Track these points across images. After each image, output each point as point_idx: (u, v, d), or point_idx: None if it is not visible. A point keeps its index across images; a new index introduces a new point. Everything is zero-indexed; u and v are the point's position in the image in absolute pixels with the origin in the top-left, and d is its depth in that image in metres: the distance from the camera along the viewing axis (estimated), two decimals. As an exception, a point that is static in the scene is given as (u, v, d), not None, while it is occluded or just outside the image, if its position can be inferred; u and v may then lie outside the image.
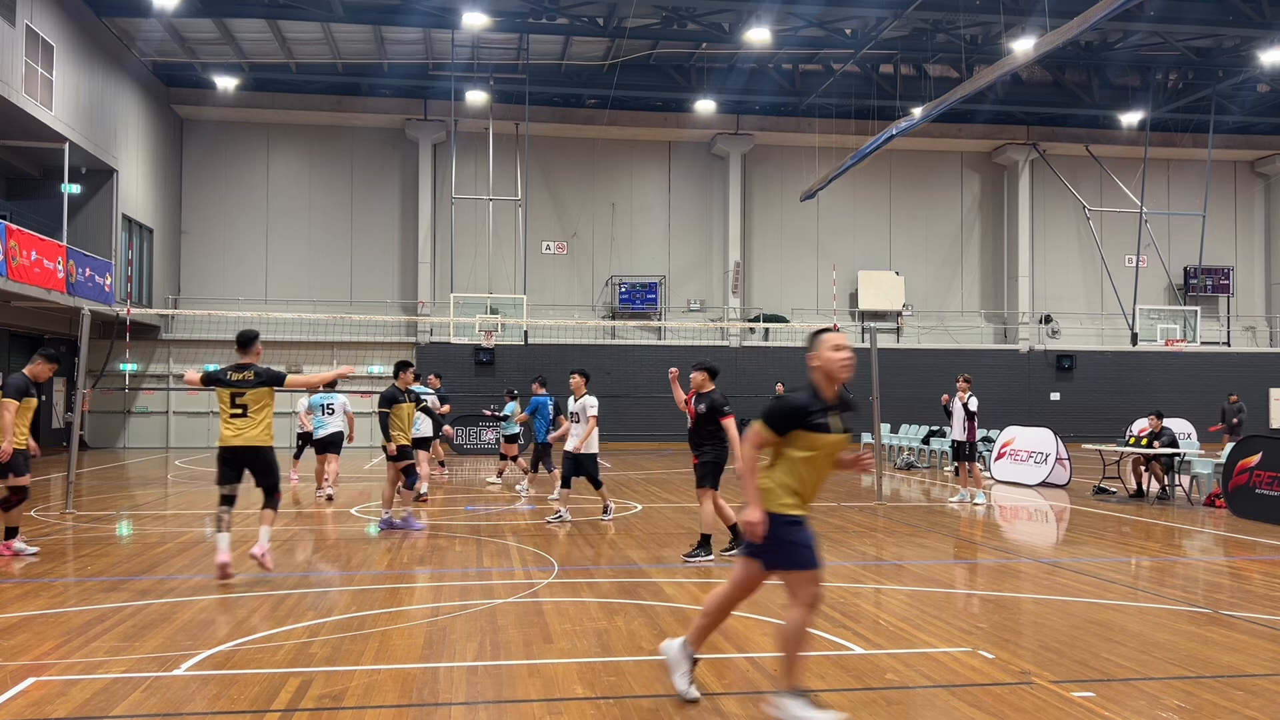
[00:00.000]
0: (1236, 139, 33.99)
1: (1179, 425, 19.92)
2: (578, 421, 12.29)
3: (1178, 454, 15.27)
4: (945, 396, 15.85)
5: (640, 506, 14.16)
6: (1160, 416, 15.62)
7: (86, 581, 8.50)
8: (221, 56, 27.81)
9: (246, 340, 8.73)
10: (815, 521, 13.04)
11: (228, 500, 8.61)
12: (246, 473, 8.63)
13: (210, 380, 8.68)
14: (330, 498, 14.60)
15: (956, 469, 15.39)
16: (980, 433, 20.89)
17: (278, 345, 28.73)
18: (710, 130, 31.83)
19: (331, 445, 14.83)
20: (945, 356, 30.55)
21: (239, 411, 8.49)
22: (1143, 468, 15.46)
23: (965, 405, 14.66)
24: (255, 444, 8.50)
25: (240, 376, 8.56)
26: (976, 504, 14.55)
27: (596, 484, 12.41)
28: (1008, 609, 7.62)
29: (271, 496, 8.73)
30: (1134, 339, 31.23)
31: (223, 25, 25.70)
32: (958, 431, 14.89)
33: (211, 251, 30.40)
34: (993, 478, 18.83)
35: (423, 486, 14.14)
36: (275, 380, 8.58)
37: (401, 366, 11.94)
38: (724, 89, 29.69)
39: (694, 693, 5.20)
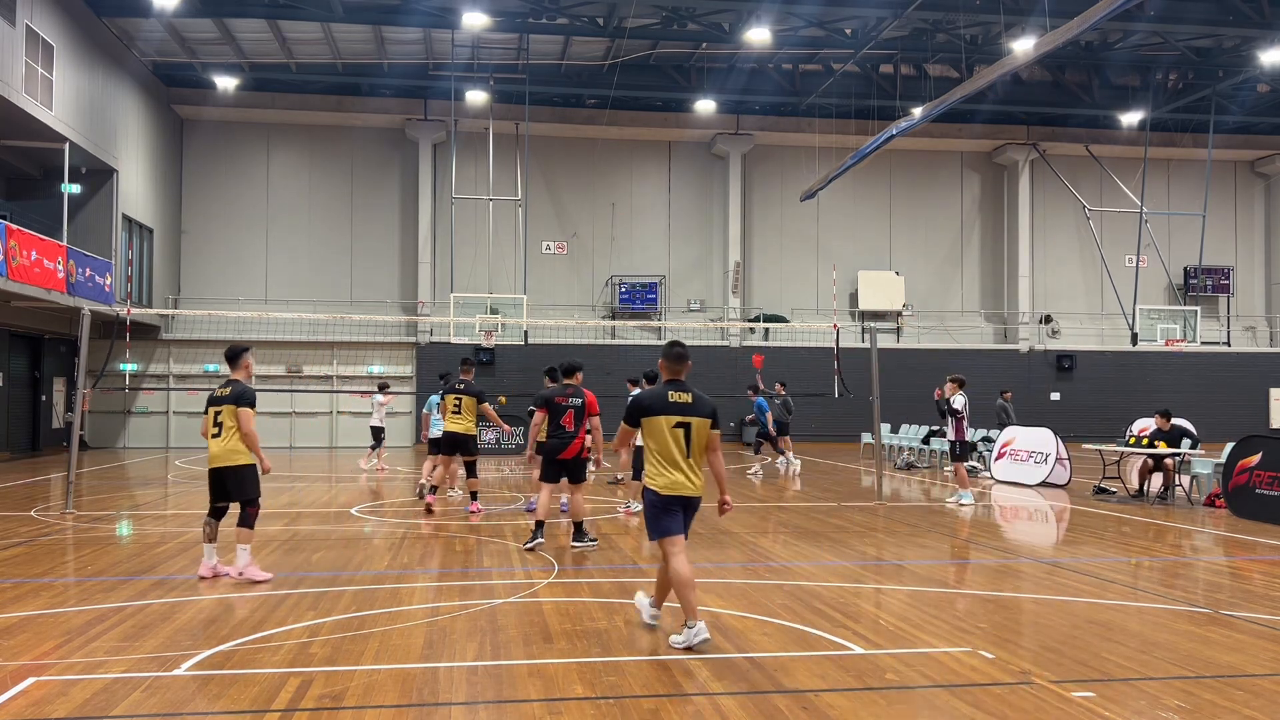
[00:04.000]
0: (1236, 139, 33.99)
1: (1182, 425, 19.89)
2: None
3: (1179, 454, 15.25)
4: (938, 391, 16.03)
5: (640, 506, 14.14)
6: (1167, 416, 15.58)
7: (86, 581, 8.50)
8: (221, 56, 27.80)
9: (232, 355, 8.73)
10: (817, 521, 13.07)
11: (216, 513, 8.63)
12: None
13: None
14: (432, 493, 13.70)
15: (954, 469, 15.39)
16: (980, 432, 20.97)
17: (278, 345, 28.72)
18: (710, 130, 31.83)
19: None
20: (945, 356, 30.52)
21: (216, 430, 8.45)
22: (1151, 467, 15.43)
23: (950, 404, 14.68)
24: (224, 464, 8.42)
25: (222, 392, 8.55)
26: (963, 504, 14.51)
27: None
28: (1008, 609, 7.62)
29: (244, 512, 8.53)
30: (1134, 339, 31.22)
31: (223, 25, 25.69)
32: (950, 433, 14.95)
33: (211, 251, 30.40)
34: (993, 477, 18.84)
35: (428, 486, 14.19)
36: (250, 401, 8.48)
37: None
38: (724, 89, 29.68)
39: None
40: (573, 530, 10.41)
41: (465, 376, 13.35)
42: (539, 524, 10.16)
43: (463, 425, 13.00)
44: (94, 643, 6.37)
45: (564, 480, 10.73)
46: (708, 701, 5.25)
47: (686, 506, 6.38)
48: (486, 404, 13.31)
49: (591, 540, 10.38)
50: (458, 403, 13.02)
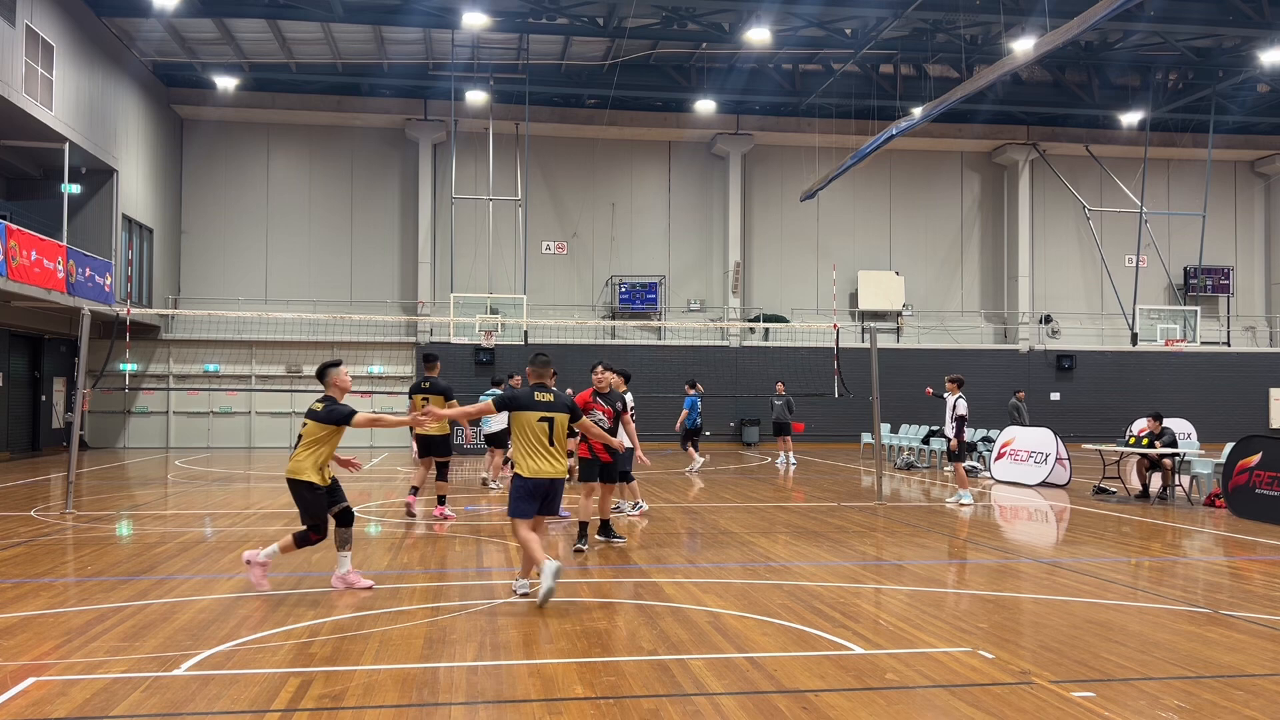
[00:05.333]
0: (1236, 139, 33.97)
1: (1179, 425, 19.93)
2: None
3: (1177, 454, 15.25)
4: (929, 390, 16.67)
5: (646, 507, 14.12)
6: (1159, 418, 15.61)
7: (86, 581, 8.50)
8: (221, 56, 27.80)
9: (321, 371, 8.27)
10: (816, 521, 13.07)
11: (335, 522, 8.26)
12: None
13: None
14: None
15: (953, 469, 15.41)
16: (980, 432, 20.98)
17: (277, 345, 28.74)
18: (710, 130, 31.82)
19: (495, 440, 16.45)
20: (945, 356, 30.52)
21: (296, 441, 8.19)
22: (1147, 465, 15.44)
23: (953, 407, 14.69)
24: (289, 475, 8.11)
25: (313, 406, 8.09)
26: (963, 504, 14.52)
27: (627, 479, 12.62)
28: (1008, 609, 7.63)
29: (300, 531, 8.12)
30: (1134, 339, 31.21)
31: (223, 25, 25.69)
32: (949, 432, 14.99)
33: (211, 251, 30.39)
34: (993, 477, 18.84)
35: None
36: (339, 419, 7.88)
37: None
38: (724, 89, 29.67)
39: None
40: (599, 527, 10.77)
41: (431, 374, 12.58)
42: (604, 523, 10.77)
43: (434, 427, 12.23)
44: (94, 643, 6.37)
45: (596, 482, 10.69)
46: (707, 701, 5.25)
47: (551, 488, 7.78)
48: (455, 401, 12.42)
49: (618, 537, 10.90)
50: (425, 402, 12.11)
